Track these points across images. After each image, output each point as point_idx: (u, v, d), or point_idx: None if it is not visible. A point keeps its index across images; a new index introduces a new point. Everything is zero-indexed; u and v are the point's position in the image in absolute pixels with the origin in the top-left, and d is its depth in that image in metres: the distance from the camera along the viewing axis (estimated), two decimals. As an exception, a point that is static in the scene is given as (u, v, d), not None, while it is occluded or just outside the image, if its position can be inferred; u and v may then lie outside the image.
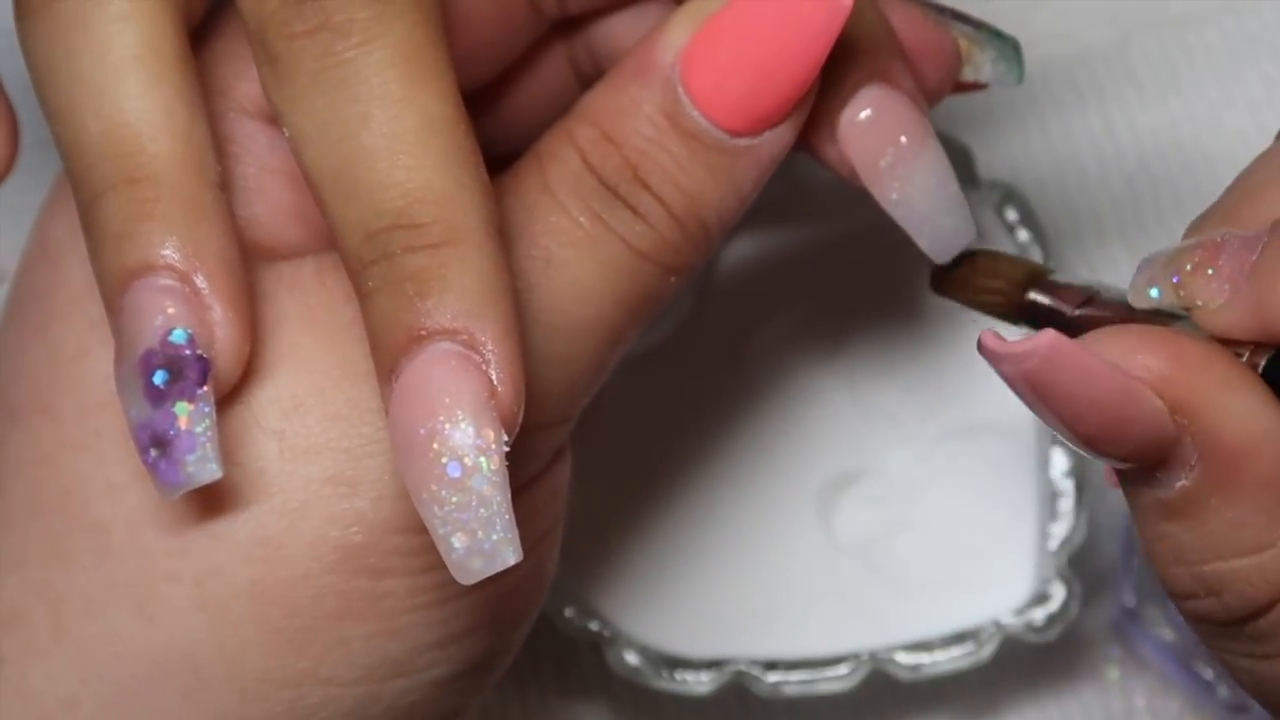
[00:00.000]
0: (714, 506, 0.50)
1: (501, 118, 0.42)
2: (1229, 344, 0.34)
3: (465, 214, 0.33)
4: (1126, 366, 0.33)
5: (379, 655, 0.37)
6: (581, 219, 0.37)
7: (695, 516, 0.50)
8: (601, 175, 0.37)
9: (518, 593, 0.39)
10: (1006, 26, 0.55)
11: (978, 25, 0.40)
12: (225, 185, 0.36)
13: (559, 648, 0.51)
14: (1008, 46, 0.40)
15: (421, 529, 0.34)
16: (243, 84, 0.38)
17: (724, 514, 0.50)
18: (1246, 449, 0.33)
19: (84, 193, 0.35)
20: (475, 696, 0.40)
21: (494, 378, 0.33)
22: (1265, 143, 0.54)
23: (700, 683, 0.49)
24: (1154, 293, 0.36)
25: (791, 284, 0.51)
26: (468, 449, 0.32)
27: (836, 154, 0.38)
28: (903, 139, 0.38)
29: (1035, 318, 0.38)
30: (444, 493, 0.33)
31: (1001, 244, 0.51)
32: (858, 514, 0.50)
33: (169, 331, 0.35)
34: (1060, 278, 0.38)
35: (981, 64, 0.40)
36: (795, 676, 0.49)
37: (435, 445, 0.33)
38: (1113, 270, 0.53)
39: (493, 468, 0.33)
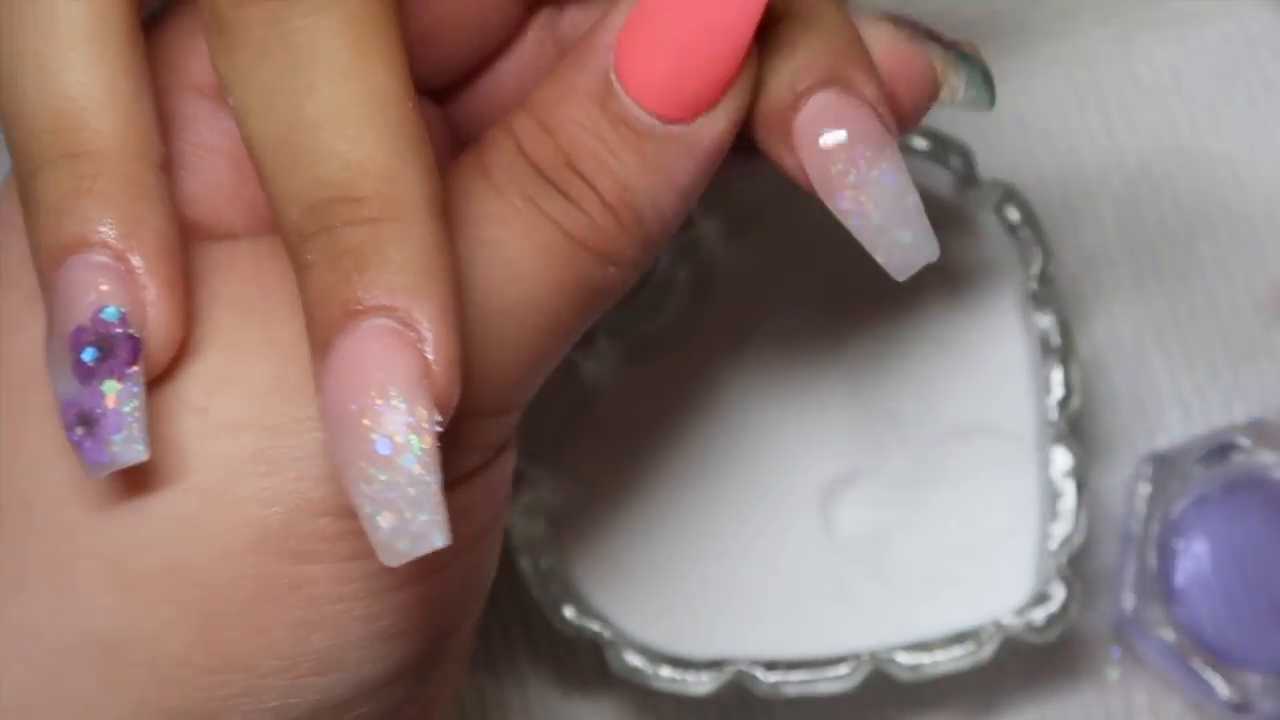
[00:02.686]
0: (714, 506, 0.50)
1: (482, 105, 0.42)
2: None
3: (408, 189, 0.33)
4: None
5: (303, 647, 0.36)
6: (517, 202, 0.36)
7: (695, 516, 0.50)
8: (535, 161, 0.36)
9: (452, 594, 0.38)
10: (1007, 26, 0.55)
11: (949, 46, 0.40)
12: (167, 166, 0.36)
13: (559, 648, 0.51)
14: (977, 72, 0.40)
15: (347, 513, 0.33)
16: (193, 60, 0.38)
17: (724, 514, 0.50)
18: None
19: (23, 166, 0.35)
20: (410, 703, 0.39)
21: (429, 356, 0.32)
22: (1265, 143, 0.54)
23: (700, 683, 0.49)
24: None
25: (791, 284, 0.51)
26: (399, 426, 0.32)
27: (794, 160, 0.37)
28: (856, 147, 0.37)
29: None
30: (372, 470, 0.32)
31: (1002, 244, 0.51)
32: (858, 514, 0.50)
33: (101, 309, 0.34)
34: None
35: (956, 87, 0.40)
36: (795, 676, 0.49)
37: (366, 421, 0.32)
38: (1113, 270, 0.53)
39: (424, 446, 0.32)
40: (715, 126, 0.36)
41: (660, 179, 0.37)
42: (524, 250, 0.36)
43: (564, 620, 0.49)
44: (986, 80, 0.40)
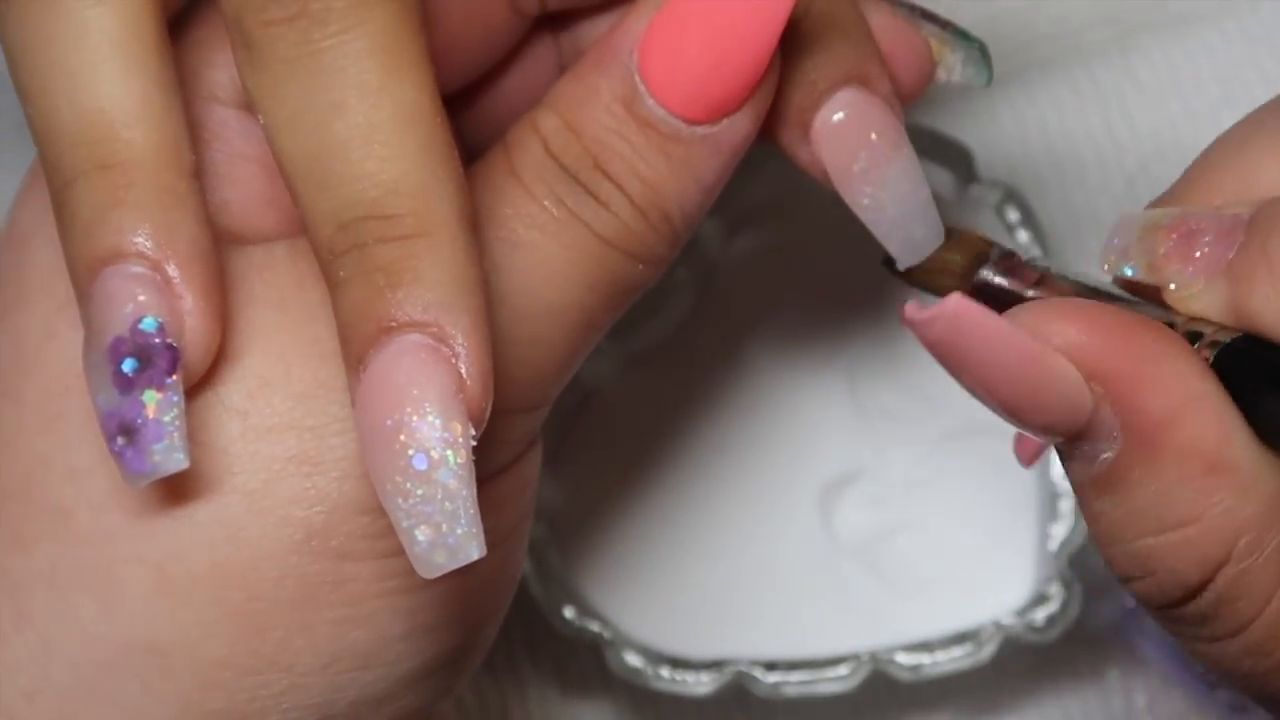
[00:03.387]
0: (714, 506, 0.50)
1: (488, 115, 0.42)
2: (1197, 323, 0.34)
3: (439, 206, 0.33)
4: (1042, 334, 0.33)
5: (344, 644, 0.36)
6: (547, 203, 0.37)
7: (695, 516, 0.50)
8: (563, 163, 0.37)
9: (486, 588, 0.38)
10: (1007, 26, 0.55)
11: (945, 25, 0.40)
12: (199, 174, 0.36)
13: (559, 648, 0.51)
14: (974, 48, 0.40)
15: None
16: (216, 71, 0.38)
17: (724, 514, 0.50)
18: (1166, 418, 0.33)
19: (57, 179, 0.35)
20: (443, 696, 0.39)
21: (463, 371, 0.33)
22: (1265, 143, 0.54)
23: (700, 683, 0.49)
24: (1129, 270, 0.36)
25: (791, 284, 0.51)
26: (434, 442, 0.32)
27: (810, 155, 0.38)
28: (876, 143, 0.37)
29: (992, 299, 0.37)
30: (409, 485, 0.32)
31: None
32: (858, 514, 0.50)
33: (139, 319, 0.34)
34: (1007, 253, 0.38)
35: (952, 65, 0.40)
36: (795, 676, 0.49)
37: (402, 437, 0.32)
38: (1113, 270, 0.54)
39: (459, 461, 0.32)
40: (740, 128, 0.37)
41: (687, 180, 0.37)
42: (555, 250, 0.37)
43: (564, 620, 0.49)
44: (984, 56, 0.40)
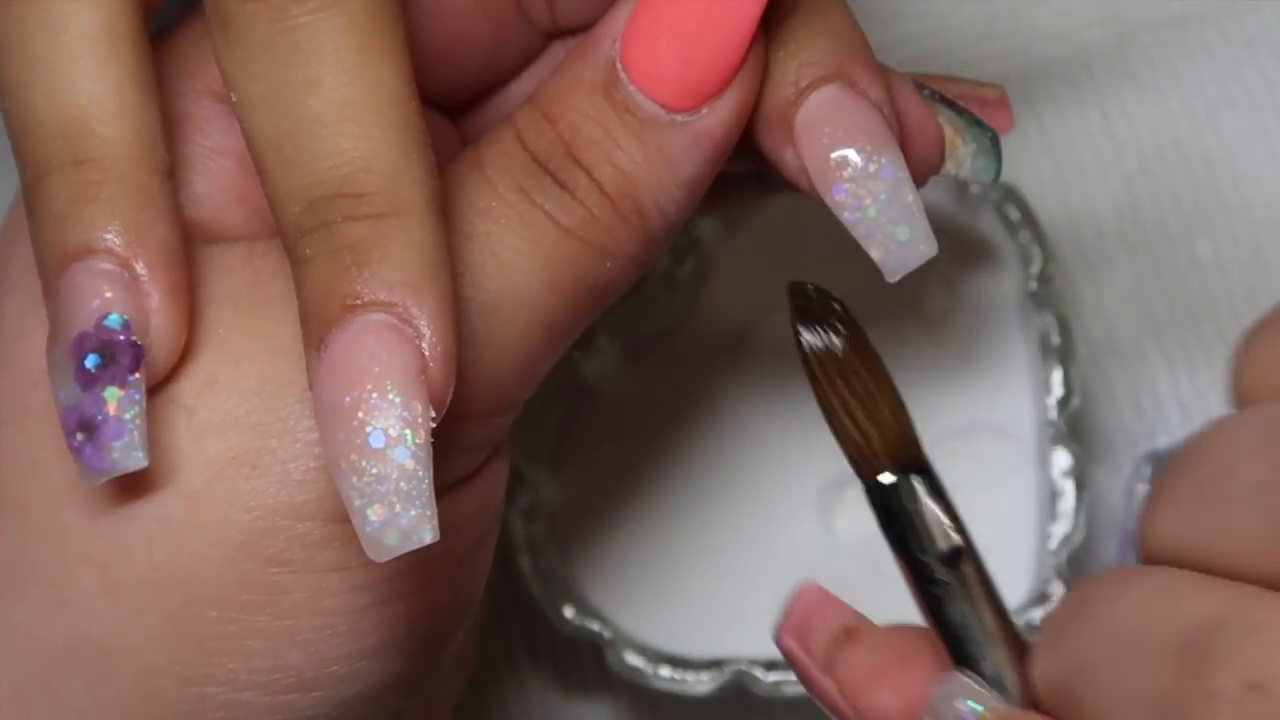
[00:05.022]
0: (714, 506, 0.50)
1: (491, 124, 0.42)
2: None
3: (409, 187, 0.33)
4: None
5: (280, 661, 0.35)
6: (507, 194, 0.36)
7: (695, 516, 0.50)
8: (534, 152, 0.36)
9: (439, 611, 0.37)
10: (1006, 26, 0.55)
11: (961, 112, 0.40)
12: (173, 174, 0.36)
13: (559, 647, 0.51)
14: (986, 138, 0.40)
15: (332, 518, 0.33)
16: (209, 65, 0.38)
17: (724, 514, 0.50)
18: None
19: (29, 173, 0.35)
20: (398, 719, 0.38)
21: (426, 352, 0.32)
22: (1265, 143, 0.54)
23: (700, 683, 0.49)
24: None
25: (791, 284, 0.51)
26: (393, 420, 0.32)
27: (796, 163, 0.37)
28: (857, 140, 0.37)
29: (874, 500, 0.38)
30: (364, 463, 0.32)
31: (1002, 244, 0.51)
32: (858, 514, 0.50)
33: (104, 315, 0.34)
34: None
35: (963, 158, 0.40)
36: (795, 676, 0.48)
37: (360, 414, 0.32)
38: (1113, 270, 0.53)
39: (418, 441, 0.32)
40: (720, 115, 0.36)
41: (663, 169, 0.36)
42: (511, 242, 0.36)
43: (564, 620, 0.49)
44: (994, 147, 0.40)
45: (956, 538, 0.37)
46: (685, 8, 0.35)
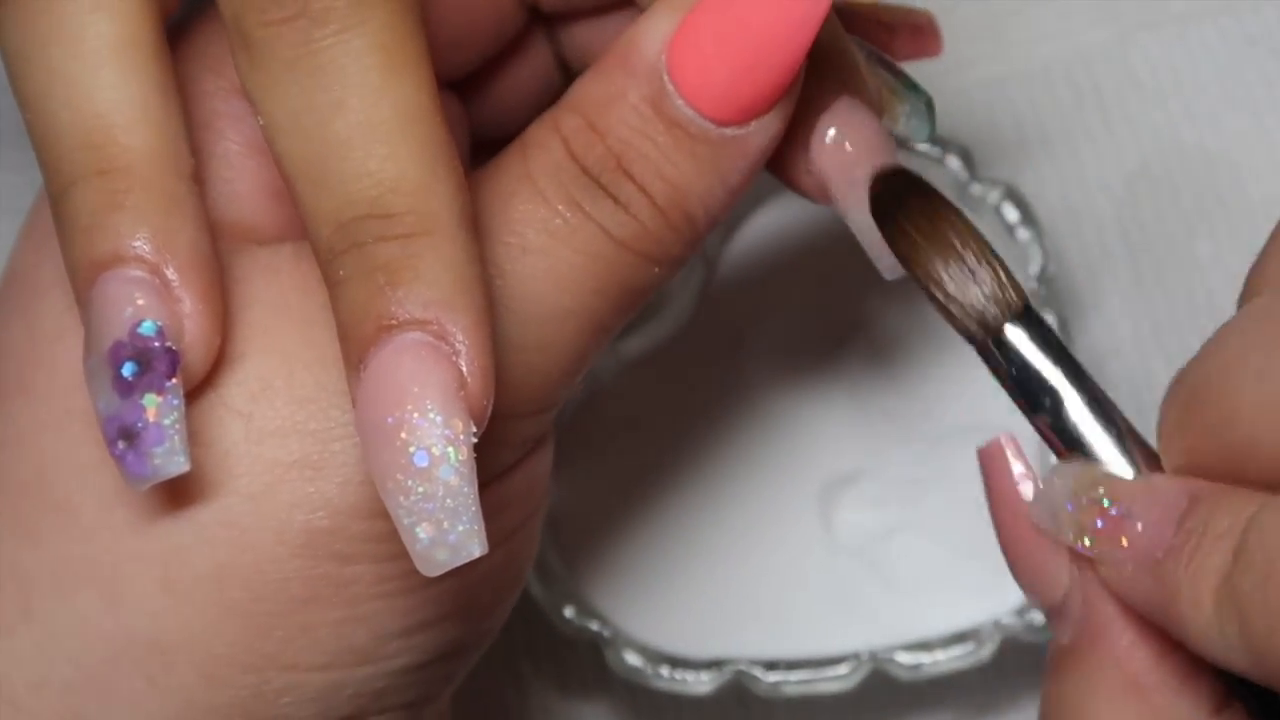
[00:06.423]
0: (714, 506, 0.50)
1: (485, 105, 0.42)
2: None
3: (439, 205, 0.33)
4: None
5: (344, 642, 0.36)
6: (560, 206, 0.36)
7: (695, 516, 0.50)
8: (584, 164, 0.36)
9: (489, 583, 0.39)
10: (1006, 26, 0.55)
11: (898, 74, 0.40)
12: (198, 177, 0.36)
13: (559, 648, 0.51)
14: (921, 101, 0.40)
15: (388, 514, 0.33)
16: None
17: (724, 514, 0.50)
18: (1108, 627, 0.35)
19: (55, 184, 0.35)
20: (445, 686, 0.40)
21: (464, 369, 0.33)
22: (1265, 143, 0.54)
23: (700, 683, 0.49)
24: (1069, 535, 0.36)
25: (791, 284, 0.51)
26: (435, 439, 0.32)
27: (809, 178, 0.38)
28: (874, 149, 0.38)
29: (983, 351, 0.38)
30: (410, 483, 0.32)
31: (1002, 244, 0.51)
32: (858, 514, 0.50)
33: (138, 323, 0.34)
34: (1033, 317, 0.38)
35: (897, 116, 0.40)
36: (795, 676, 0.49)
37: (403, 435, 0.32)
38: (1113, 270, 0.53)
39: (460, 458, 0.32)
40: (769, 129, 0.37)
41: (714, 181, 0.37)
42: (565, 255, 0.36)
43: (564, 620, 0.49)
44: (929, 110, 0.40)
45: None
46: (744, 28, 0.36)
